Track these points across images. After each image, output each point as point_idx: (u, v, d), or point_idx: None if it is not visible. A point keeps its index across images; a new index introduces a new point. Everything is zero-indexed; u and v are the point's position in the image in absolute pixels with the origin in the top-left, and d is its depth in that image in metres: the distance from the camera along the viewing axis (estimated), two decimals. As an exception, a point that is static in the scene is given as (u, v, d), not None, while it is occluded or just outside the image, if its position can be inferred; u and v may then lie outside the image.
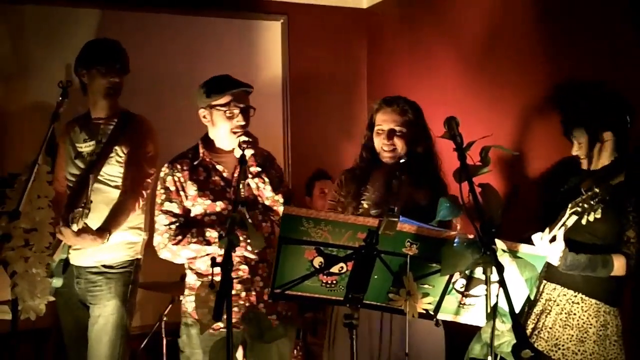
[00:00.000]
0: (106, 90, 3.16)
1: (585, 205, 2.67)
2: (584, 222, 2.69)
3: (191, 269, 2.93)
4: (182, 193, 2.89)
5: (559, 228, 2.74)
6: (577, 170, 2.98)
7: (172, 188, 2.89)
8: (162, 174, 2.93)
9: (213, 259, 2.35)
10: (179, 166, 2.91)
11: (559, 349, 2.88)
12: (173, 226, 2.86)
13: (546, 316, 2.95)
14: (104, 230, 3.03)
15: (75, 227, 2.92)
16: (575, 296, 2.90)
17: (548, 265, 2.87)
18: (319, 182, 4.46)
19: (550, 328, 2.92)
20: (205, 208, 2.88)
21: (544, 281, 2.99)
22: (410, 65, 4.51)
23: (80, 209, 2.88)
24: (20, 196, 2.63)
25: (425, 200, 2.92)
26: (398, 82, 4.58)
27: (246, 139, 2.79)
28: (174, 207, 2.89)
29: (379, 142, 3.01)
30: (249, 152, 2.80)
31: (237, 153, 2.78)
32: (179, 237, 2.84)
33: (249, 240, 2.79)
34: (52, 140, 3.11)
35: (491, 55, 3.88)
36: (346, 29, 4.95)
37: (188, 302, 2.92)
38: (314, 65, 4.80)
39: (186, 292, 2.96)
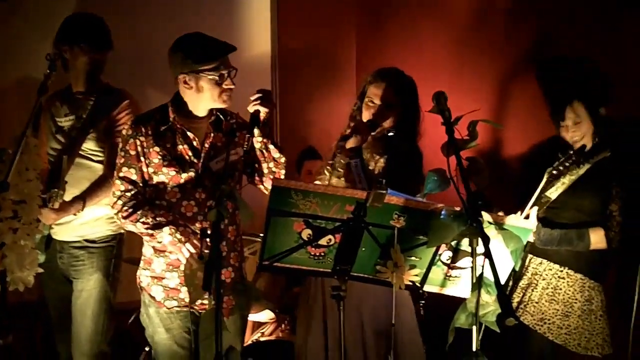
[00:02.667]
0: (89, 67, 3.14)
1: (561, 168, 2.73)
2: (561, 185, 2.74)
3: (147, 240, 2.79)
4: (143, 159, 2.71)
5: (537, 198, 2.79)
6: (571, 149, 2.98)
7: (133, 152, 2.70)
8: (125, 133, 2.75)
9: (203, 230, 2.35)
10: (143, 129, 2.70)
11: (545, 323, 2.92)
12: (128, 194, 2.71)
13: (532, 290, 2.99)
14: (79, 199, 3.04)
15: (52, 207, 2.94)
16: (561, 271, 2.94)
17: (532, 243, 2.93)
18: (307, 162, 4.45)
19: (536, 302, 2.96)
20: (169, 179, 2.71)
21: (530, 255, 3.03)
22: (399, 42, 4.51)
23: (56, 190, 2.90)
24: (8, 168, 2.63)
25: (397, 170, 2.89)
26: (387, 59, 4.57)
27: (264, 108, 2.64)
28: (132, 174, 2.71)
29: (368, 114, 2.99)
30: (263, 111, 2.64)
31: (251, 109, 2.64)
32: (130, 211, 2.70)
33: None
34: (39, 114, 3.12)
35: (479, 32, 3.89)
36: (336, 5, 4.92)
37: (143, 276, 2.81)
38: (303, 41, 4.78)
39: (142, 264, 2.83)
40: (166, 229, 2.66)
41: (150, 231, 2.69)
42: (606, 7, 3.22)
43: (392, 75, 2.99)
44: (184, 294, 2.72)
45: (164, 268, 2.75)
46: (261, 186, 2.86)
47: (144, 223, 2.69)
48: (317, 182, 3.02)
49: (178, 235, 2.65)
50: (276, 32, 4.73)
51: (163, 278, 2.75)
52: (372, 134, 2.96)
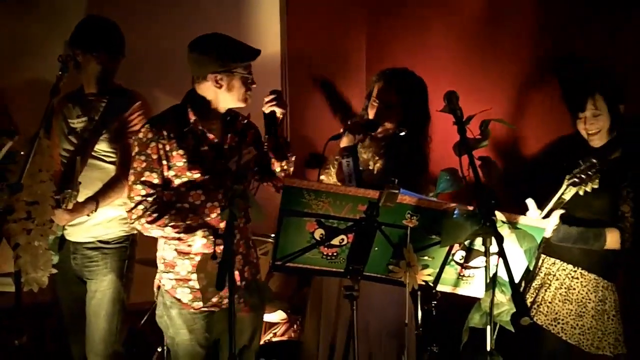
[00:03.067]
0: (101, 73, 3.17)
1: (583, 176, 2.70)
2: (581, 192, 2.72)
3: (168, 244, 2.77)
4: (164, 162, 2.68)
5: (555, 203, 2.78)
6: (584, 148, 2.95)
7: (155, 156, 2.67)
8: (142, 137, 2.71)
9: (215, 230, 2.36)
10: (165, 132, 2.68)
11: (559, 323, 2.92)
12: (150, 199, 2.67)
13: (545, 290, 2.98)
14: (92, 199, 3.05)
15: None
16: (575, 271, 2.93)
17: (546, 240, 2.91)
18: (310, 172, 4.41)
19: (549, 302, 2.95)
20: (193, 180, 2.71)
21: (543, 255, 3.02)
22: (409, 42, 4.51)
23: (69, 191, 2.90)
24: (22, 170, 2.65)
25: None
26: (397, 60, 4.57)
27: (279, 109, 2.79)
28: (154, 178, 2.68)
29: (372, 114, 2.96)
30: (279, 111, 2.78)
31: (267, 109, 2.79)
32: (155, 215, 2.66)
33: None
34: (52, 115, 3.13)
35: (489, 30, 3.89)
36: (345, 6, 4.92)
37: (165, 279, 2.79)
38: (313, 43, 4.77)
39: (162, 267, 2.81)
40: (199, 232, 2.67)
41: (180, 235, 2.69)
42: (606, 7, 3.21)
43: (393, 74, 2.98)
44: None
45: (190, 270, 2.74)
46: (272, 185, 2.88)
47: (174, 227, 2.67)
48: (322, 177, 3.03)
49: (212, 238, 2.67)
50: (285, 34, 4.73)
51: (189, 280, 2.74)
52: (372, 133, 2.94)
